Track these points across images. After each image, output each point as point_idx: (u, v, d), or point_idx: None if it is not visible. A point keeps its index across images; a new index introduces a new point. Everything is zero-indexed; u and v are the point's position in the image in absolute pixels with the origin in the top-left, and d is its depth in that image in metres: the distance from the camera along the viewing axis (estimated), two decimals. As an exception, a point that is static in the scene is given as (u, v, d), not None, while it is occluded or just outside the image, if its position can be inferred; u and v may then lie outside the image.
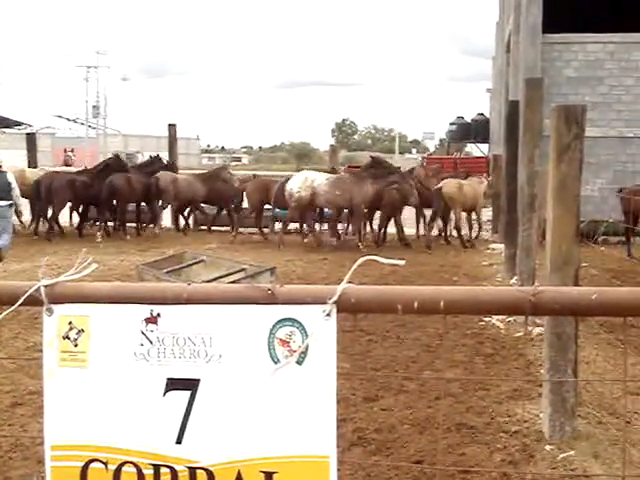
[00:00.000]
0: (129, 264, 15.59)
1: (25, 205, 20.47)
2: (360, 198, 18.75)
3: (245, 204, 22.59)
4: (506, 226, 15.03)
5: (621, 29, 23.69)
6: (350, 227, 21.02)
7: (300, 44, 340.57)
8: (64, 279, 2.59)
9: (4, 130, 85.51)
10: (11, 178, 18.07)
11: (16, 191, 18.00)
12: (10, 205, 17.30)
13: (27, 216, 22.05)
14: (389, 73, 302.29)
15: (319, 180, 19.25)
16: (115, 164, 23.57)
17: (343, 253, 17.81)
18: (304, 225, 20.81)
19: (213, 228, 23.55)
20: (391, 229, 20.44)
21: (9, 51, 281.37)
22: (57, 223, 22.24)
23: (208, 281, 11.13)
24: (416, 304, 2.33)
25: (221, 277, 11.94)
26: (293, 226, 22.04)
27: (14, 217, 18.66)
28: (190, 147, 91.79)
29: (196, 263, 13.71)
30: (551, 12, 23.32)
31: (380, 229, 20.15)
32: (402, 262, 2.57)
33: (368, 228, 21.15)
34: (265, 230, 21.51)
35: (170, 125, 27.00)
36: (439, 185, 20.06)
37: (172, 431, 2.49)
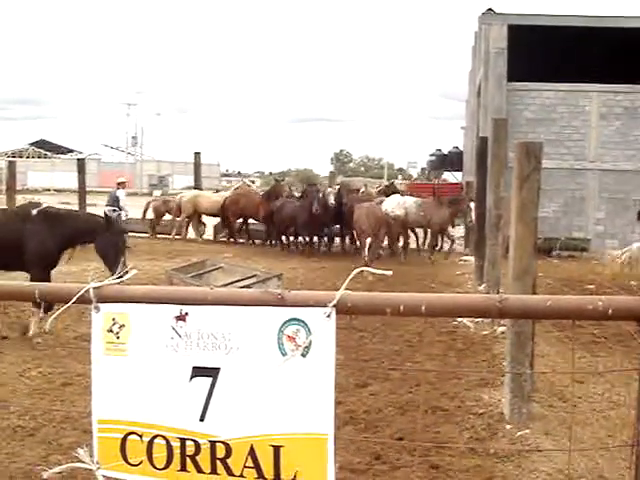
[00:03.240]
0: (159, 269, 15.51)
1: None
2: (437, 219, 18.61)
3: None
4: (476, 242, 14.98)
5: (571, 79, 23.85)
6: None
7: (305, 87, 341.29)
8: (109, 282, 2.60)
9: (60, 156, 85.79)
10: (119, 193, 20.22)
11: (121, 202, 19.97)
12: (114, 211, 19.06)
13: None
14: (380, 112, 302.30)
15: (409, 202, 19.16)
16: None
17: (338, 262, 17.74)
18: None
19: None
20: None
21: (65, 91, 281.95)
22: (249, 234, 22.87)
23: (226, 285, 11.12)
24: (402, 308, 2.34)
25: (237, 281, 11.90)
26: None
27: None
28: (212, 171, 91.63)
29: (216, 269, 13.68)
30: (514, 65, 23.47)
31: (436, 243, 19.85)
32: (389, 272, 2.59)
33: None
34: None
35: (196, 153, 27.01)
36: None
37: (196, 411, 2.50)
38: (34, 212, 9.30)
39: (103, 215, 9.60)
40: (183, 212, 23.34)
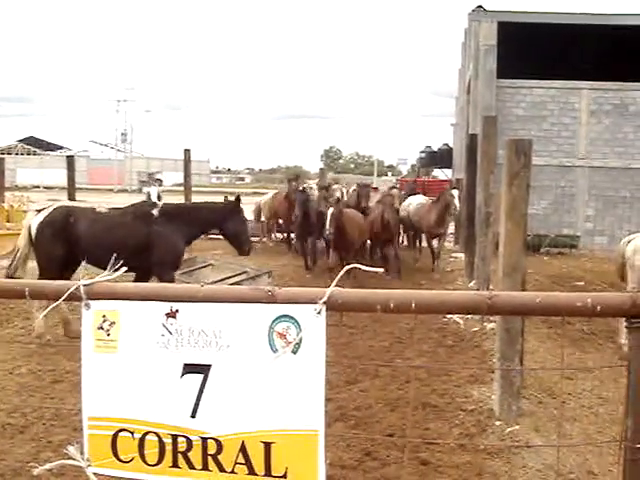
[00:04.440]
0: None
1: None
2: (424, 223, 16.91)
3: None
4: (466, 238, 14.99)
5: (561, 76, 23.93)
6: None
7: (295, 84, 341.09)
8: (100, 280, 2.60)
9: (49, 153, 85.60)
10: (151, 190, 20.21)
11: (152, 197, 19.66)
12: None
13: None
14: (370, 108, 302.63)
15: (413, 204, 18.17)
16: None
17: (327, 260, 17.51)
18: None
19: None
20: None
21: (54, 88, 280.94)
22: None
23: (216, 282, 11.09)
24: (392, 305, 2.35)
25: (227, 278, 11.86)
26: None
27: None
28: (202, 168, 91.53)
29: (205, 266, 13.61)
30: (504, 61, 23.52)
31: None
32: (381, 270, 2.60)
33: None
34: None
35: (185, 150, 26.73)
36: None
37: (187, 407, 2.50)
38: (155, 212, 9.12)
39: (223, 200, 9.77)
40: (263, 215, 22.98)
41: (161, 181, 20.88)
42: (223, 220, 9.53)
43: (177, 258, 9.36)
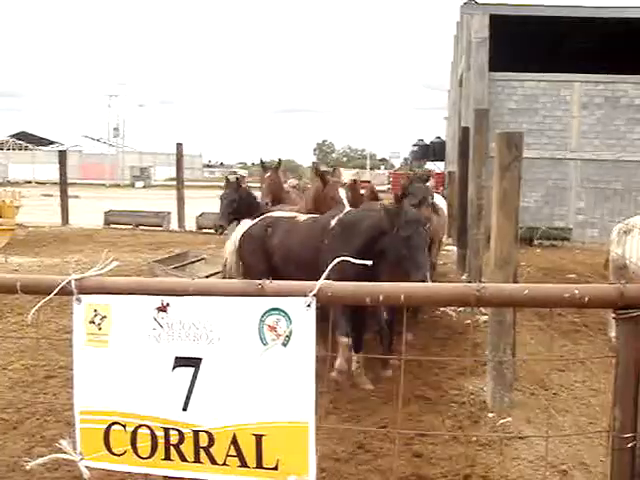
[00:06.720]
0: (142, 260, 15.41)
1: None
2: None
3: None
4: (458, 231, 14.99)
5: (553, 69, 23.97)
6: None
7: (287, 78, 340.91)
8: (91, 274, 2.61)
9: (41, 148, 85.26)
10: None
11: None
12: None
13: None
14: (363, 102, 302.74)
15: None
16: None
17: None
18: None
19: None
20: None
21: (45, 83, 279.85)
22: None
23: (208, 276, 11.09)
24: (381, 297, 2.36)
25: (219, 272, 11.85)
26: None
27: None
28: (194, 162, 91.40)
29: (198, 260, 13.63)
30: (496, 54, 23.51)
31: None
32: (369, 262, 2.61)
33: None
34: None
35: (178, 144, 26.74)
36: None
37: (179, 400, 2.51)
38: (333, 222, 7.17)
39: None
40: None
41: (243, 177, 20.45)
42: (382, 236, 6.64)
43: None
